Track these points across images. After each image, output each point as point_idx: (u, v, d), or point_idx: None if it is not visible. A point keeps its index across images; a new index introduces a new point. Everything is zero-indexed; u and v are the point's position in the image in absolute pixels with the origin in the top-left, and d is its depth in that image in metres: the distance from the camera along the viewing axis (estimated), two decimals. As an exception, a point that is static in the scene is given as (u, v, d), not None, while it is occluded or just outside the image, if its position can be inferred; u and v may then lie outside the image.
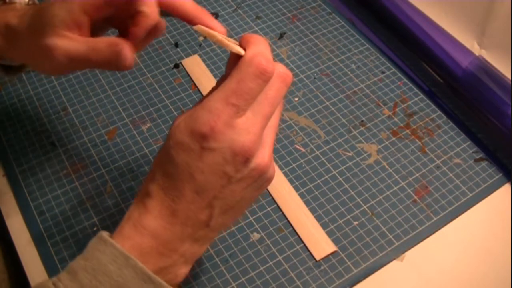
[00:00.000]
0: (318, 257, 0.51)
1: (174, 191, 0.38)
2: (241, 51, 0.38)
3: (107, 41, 0.41)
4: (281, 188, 0.55)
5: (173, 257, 0.38)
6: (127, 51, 0.41)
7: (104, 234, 0.37)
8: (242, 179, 0.37)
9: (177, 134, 0.37)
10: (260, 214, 0.54)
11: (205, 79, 0.64)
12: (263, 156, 0.38)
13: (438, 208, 0.54)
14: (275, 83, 0.38)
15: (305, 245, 0.52)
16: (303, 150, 0.59)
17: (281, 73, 0.38)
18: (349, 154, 0.59)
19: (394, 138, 0.60)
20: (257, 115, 0.37)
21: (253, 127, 0.36)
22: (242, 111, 0.36)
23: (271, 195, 0.55)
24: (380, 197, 0.55)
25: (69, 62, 0.42)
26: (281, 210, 0.54)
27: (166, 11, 0.48)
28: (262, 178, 0.38)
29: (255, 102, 0.37)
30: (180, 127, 0.37)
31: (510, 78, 0.58)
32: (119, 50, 0.41)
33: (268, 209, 0.54)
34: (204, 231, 0.39)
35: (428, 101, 0.63)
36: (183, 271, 0.39)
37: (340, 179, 0.56)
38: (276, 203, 0.54)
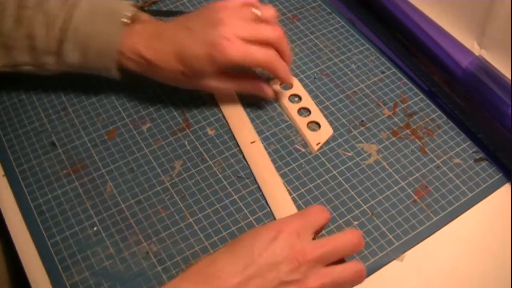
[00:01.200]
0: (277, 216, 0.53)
1: (227, 267, 0.42)
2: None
3: (253, 83, 0.59)
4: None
5: None
6: (267, 89, 0.59)
7: None
8: (287, 284, 0.42)
9: (256, 228, 0.46)
10: (260, 214, 0.54)
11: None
12: (316, 279, 0.42)
13: (438, 208, 0.54)
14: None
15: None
16: (303, 150, 0.59)
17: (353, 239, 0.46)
18: (349, 154, 0.59)
19: (394, 138, 0.60)
20: (334, 275, 0.44)
21: (318, 247, 0.44)
22: (325, 263, 0.44)
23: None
24: (380, 197, 0.55)
25: (216, 92, 0.61)
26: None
27: (162, 12, 0.58)
28: None
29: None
30: (263, 225, 0.45)
31: (510, 78, 0.58)
32: (262, 90, 0.59)
33: (268, 209, 0.54)
34: None
35: (428, 101, 0.63)
36: None
37: (340, 179, 0.56)
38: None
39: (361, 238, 0.46)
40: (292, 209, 0.53)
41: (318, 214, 0.46)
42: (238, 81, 0.59)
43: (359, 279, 0.45)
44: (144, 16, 0.58)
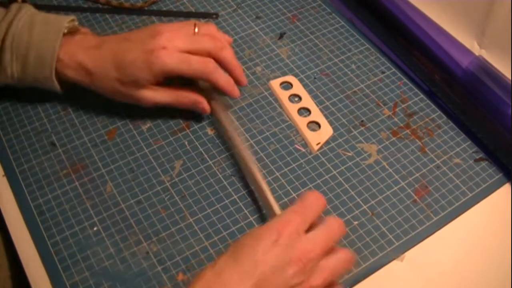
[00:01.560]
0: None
1: (233, 279, 0.41)
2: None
3: (190, 98, 0.58)
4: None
5: None
6: (205, 105, 0.58)
7: None
8: (292, 287, 0.41)
9: (256, 229, 0.44)
10: (260, 214, 0.54)
11: None
12: (318, 278, 0.43)
13: (438, 208, 0.54)
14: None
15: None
16: (303, 150, 0.59)
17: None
18: (349, 154, 0.59)
19: (394, 138, 0.60)
20: (329, 270, 0.44)
21: (316, 242, 0.44)
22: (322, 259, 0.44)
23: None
24: (380, 197, 0.55)
25: (154, 106, 0.58)
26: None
27: (162, 12, 0.58)
28: None
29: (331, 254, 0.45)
30: (263, 226, 0.44)
31: (510, 78, 0.58)
32: (200, 106, 0.58)
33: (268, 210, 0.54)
34: None
35: (428, 101, 0.63)
36: None
37: (340, 179, 0.56)
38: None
39: (342, 224, 0.46)
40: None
41: (316, 203, 0.46)
42: (175, 95, 0.58)
43: (351, 264, 0.46)
44: (85, 29, 0.59)
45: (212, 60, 0.55)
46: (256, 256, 0.41)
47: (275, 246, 0.42)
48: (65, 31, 0.56)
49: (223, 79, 0.56)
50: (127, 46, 0.55)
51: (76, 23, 0.58)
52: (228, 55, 0.57)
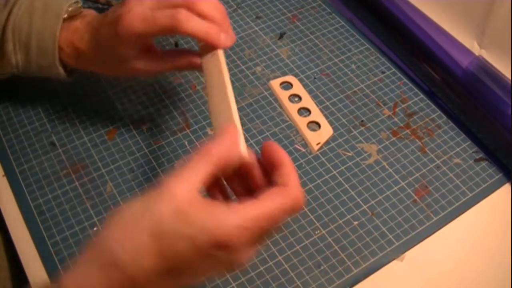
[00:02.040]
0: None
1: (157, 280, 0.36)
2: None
3: (185, 60, 0.53)
4: None
5: None
6: (198, 60, 0.51)
7: None
8: (221, 262, 0.37)
9: (198, 236, 0.35)
10: (260, 214, 0.54)
11: None
12: (247, 257, 0.37)
13: (438, 208, 0.54)
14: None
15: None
16: (303, 150, 0.59)
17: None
18: (349, 154, 0.59)
19: (394, 138, 0.60)
20: (264, 240, 0.38)
21: (253, 249, 0.37)
22: (262, 240, 0.37)
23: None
24: (380, 197, 0.55)
25: (154, 75, 0.55)
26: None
27: None
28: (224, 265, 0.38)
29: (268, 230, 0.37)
30: (202, 230, 0.35)
31: (510, 78, 0.58)
32: (196, 64, 0.52)
33: (268, 209, 0.54)
34: None
35: (428, 101, 0.63)
36: None
37: (340, 179, 0.56)
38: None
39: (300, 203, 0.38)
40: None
41: (292, 211, 0.38)
42: (170, 60, 0.53)
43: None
44: (88, 11, 0.56)
45: (183, 10, 0.47)
46: (195, 270, 0.36)
47: (214, 259, 0.36)
48: (65, 16, 0.54)
49: (198, 26, 0.47)
50: (103, 21, 0.52)
51: (79, 4, 0.55)
52: (206, 6, 0.48)
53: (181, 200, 0.35)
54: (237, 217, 0.35)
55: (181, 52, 0.55)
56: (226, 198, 0.41)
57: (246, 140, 0.59)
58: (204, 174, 0.36)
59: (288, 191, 0.37)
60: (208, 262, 0.36)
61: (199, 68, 0.52)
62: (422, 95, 0.64)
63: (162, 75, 0.65)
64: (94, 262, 0.36)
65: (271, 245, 0.52)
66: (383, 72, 0.66)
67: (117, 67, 0.53)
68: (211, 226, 0.35)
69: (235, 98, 0.63)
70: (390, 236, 0.52)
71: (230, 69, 0.66)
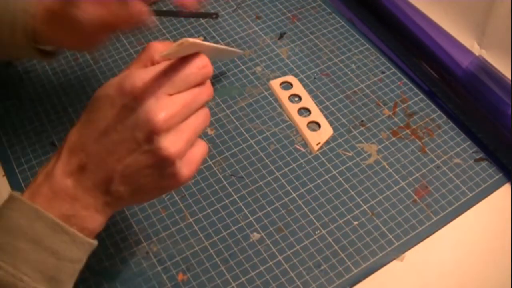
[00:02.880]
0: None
1: (84, 143, 0.39)
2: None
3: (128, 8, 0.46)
4: None
5: (76, 207, 0.39)
6: (146, 13, 0.47)
7: (14, 192, 0.39)
8: (148, 153, 0.38)
9: (107, 85, 0.39)
10: (260, 214, 0.54)
11: None
12: (173, 143, 0.38)
13: (438, 208, 0.54)
14: (205, 89, 0.40)
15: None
16: (303, 150, 0.59)
17: (209, 86, 0.41)
18: (349, 154, 0.59)
19: (394, 138, 0.60)
20: (180, 101, 0.38)
21: (172, 108, 0.38)
22: (172, 91, 0.38)
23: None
24: (380, 197, 0.55)
25: (98, 30, 0.48)
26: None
27: (162, 12, 0.50)
28: (167, 168, 0.38)
29: (184, 92, 0.39)
30: (112, 81, 0.39)
31: (510, 78, 0.58)
32: (141, 15, 0.47)
33: (268, 209, 0.54)
34: (104, 195, 0.39)
35: (428, 101, 0.63)
36: (91, 226, 0.39)
37: (340, 179, 0.56)
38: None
39: (210, 88, 0.41)
40: None
41: (197, 68, 0.39)
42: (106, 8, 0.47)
43: (209, 118, 0.41)
44: None
45: None
46: (106, 122, 0.38)
47: (126, 110, 0.37)
48: None
49: None
50: None
51: None
52: None
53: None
54: (144, 69, 0.38)
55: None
56: None
57: (246, 140, 0.59)
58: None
59: (192, 55, 0.39)
60: (121, 115, 0.37)
61: (140, 18, 0.47)
62: (422, 95, 0.64)
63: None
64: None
65: (271, 245, 0.52)
66: (383, 72, 0.66)
67: (62, 15, 0.48)
68: (119, 79, 0.38)
69: (235, 98, 0.63)
70: (390, 236, 0.52)
71: (230, 69, 0.66)
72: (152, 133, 0.37)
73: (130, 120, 0.37)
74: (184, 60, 0.39)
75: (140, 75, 0.38)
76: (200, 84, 0.40)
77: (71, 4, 0.47)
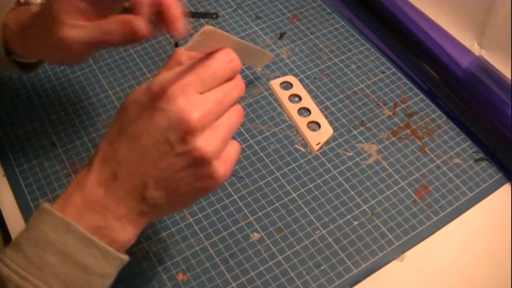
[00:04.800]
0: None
1: (117, 151, 0.38)
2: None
3: (116, 21, 0.43)
4: None
5: (107, 218, 0.37)
6: (139, 22, 0.43)
7: (45, 204, 0.38)
8: (182, 155, 0.36)
9: (135, 91, 0.38)
10: (260, 214, 0.54)
11: None
12: (209, 143, 0.37)
13: (438, 208, 0.54)
14: (236, 85, 0.39)
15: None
16: (303, 150, 0.59)
17: (240, 81, 0.40)
18: (349, 154, 0.59)
19: (394, 138, 0.60)
20: (212, 99, 0.37)
21: (205, 106, 0.37)
22: (202, 89, 0.37)
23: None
24: (380, 197, 0.55)
25: (86, 49, 0.45)
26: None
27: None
28: (203, 168, 0.37)
29: (215, 89, 0.38)
30: (141, 86, 0.38)
31: (510, 78, 0.58)
32: (131, 26, 0.43)
33: (268, 209, 0.54)
34: (139, 203, 0.38)
35: (428, 101, 0.63)
36: (121, 237, 0.38)
37: (340, 179, 0.56)
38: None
39: (242, 84, 0.40)
40: None
41: (224, 69, 0.38)
42: (98, 24, 0.44)
43: (238, 89, 0.40)
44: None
45: None
46: (138, 128, 0.37)
47: (157, 113, 0.36)
48: (13, 6, 0.49)
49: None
50: None
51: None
52: None
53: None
54: (171, 70, 0.37)
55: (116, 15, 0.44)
56: None
57: (246, 140, 0.59)
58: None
59: (218, 50, 0.38)
60: (152, 119, 0.36)
61: (139, 34, 0.43)
62: (422, 95, 0.64)
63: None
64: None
65: (271, 245, 0.52)
66: (383, 72, 0.66)
67: (47, 34, 0.44)
68: (147, 83, 0.37)
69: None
70: (390, 236, 0.52)
71: (230, 69, 0.66)
72: (186, 134, 0.36)
73: (162, 122, 0.36)
74: (210, 56, 0.38)
75: (168, 76, 0.37)
76: (229, 79, 0.39)
77: (57, 24, 0.43)
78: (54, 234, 0.37)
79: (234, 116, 0.39)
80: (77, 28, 0.44)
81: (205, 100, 0.37)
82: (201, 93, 0.37)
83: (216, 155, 0.37)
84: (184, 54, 0.40)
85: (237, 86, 0.39)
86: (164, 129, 0.36)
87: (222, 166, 0.38)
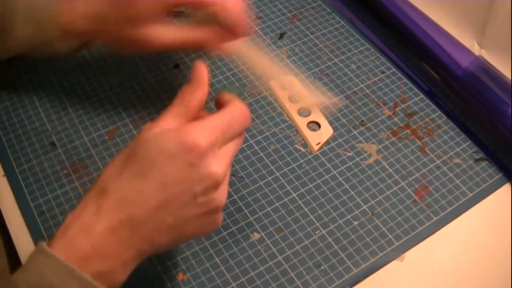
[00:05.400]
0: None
1: (138, 196, 0.38)
2: None
3: (202, 35, 0.52)
4: None
5: (114, 263, 0.38)
6: (217, 44, 0.53)
7: (44, 245, 0.37)
8: (202, 205, 0.39)
9: (165, 141, 0.39)
10: (260, 214, 0.54)
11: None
12: (224, 194, 0.41)
13: (438, 208, 0.54)
14: (242, 138, 0.43)
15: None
16: (303, 150, 0.59)
17: (243, 134, 0.44)
18: (349, 154, 0.59)
19: (394, 138, 0.60)
20: (230, 154, 0.41)
21: (225, 161, 0.40)
22: (223, 144, 0.40)
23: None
24: (380, 197, 0.55)
25: (162, 49, 0.53)
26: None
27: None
28: (214, 216, 0.41)
29: (231, 143, 0.41)
30: (169, 136, 0.39)
31: (510, 78, 0.58)
32: (211, 45, 0.53)
33: (268, 209, 0.54)
34: (148, 246, 0.39)
35: (428, 101, 0.63)
36: (121, 278, 0.39)
37: (340, 179, 0.56)
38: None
39: (248, 115, 0.43)
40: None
41: (241, 122, 0.42)
42: (186, 32, 0.52)
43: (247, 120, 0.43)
44: None
45: None
46: (164, 176, 0.38)
47: (186, 166, 0.38)
48: None
49: (235, 9, 0.51)
50: None
51: None
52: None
53: (154, 131, 0.40)
54: (200, 125, 0.39)
55: (197, 27, 0.53)
56: None
57: (246, 140, 0.59)
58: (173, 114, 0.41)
59: (235, 105, 0.42)
60: (183, 171, 0.38)
61: (214, 46, 0.53)
62: (422, 95, 0.64)
63: (161, 74, 0.65)
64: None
65: (271, 245, 0.52)
66: (383, 72, 0.66)
67: (129, 31, 0.51)
68: (177, 134, 0.39)
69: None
70: (390, 236, 0.52)
71: (230, 69, 0.66)
72: (211, 187, 0.39)
73: (192, 175, 0.38)
74: (231, 112, 0.41)
75: (200, 132, 0.39)
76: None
77: (139, 21, 0.50)
78: (57, 280, 0.36)
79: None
80: (161, 29, 0.51)
81: (225, 157, 0.40)
82: (224, 145, 0.41)
83: (224, 204, 0.41)
84: (194, 100, 0.42)
85: (242, 141, 0.43)
86: (193, 181, 0.38)
87: (222, 215, 0.42)
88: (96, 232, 0.37)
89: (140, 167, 0.38)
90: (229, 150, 0.41)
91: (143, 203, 0.38)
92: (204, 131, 0.39)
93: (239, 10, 0.51)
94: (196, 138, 0.38)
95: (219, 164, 0.39)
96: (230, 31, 0.52)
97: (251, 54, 0.56)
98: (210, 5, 0.50)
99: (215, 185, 0.39)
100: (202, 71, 0.43)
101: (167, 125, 0.40)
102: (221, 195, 0.40)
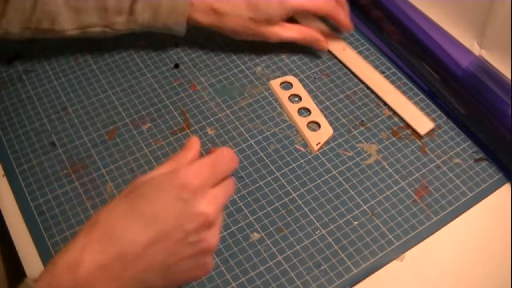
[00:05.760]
0: (422, 132, 0.60)
1: (128, 231, 0.38)
2: None
3: (312, 35, 0.66)
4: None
5: None
6: (325, 43, 0.67)
7: (30, 281, 0.37)
8: (193, 244, 0.40)
9: (159, 180, 0.40)
10: (260, 214, 0.54)
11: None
12: (215, 236, 0.41)
13: (438, 208, 0.54)
14: (232, 182, 0.44)
15: (408, 123, 0.61)
16: (303, 150, 0.59)
17: (232, 180, 0.44)
18: (349, 154, 0.59)
19: (394, 138, 0.60)
20: (221, 194, 0.42)
21: (216, 204, 0.41)
22: (213, 184, 0.41)
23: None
24: (380, 197, 0.55)
25: (278, 41, 0.65)
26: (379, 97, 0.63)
27: None
28: (204, 258, 0.41)
29: (221, 184, 0.42)
30: (162, 176, 0.40)
31: (510, 78, 0.58)
32: (321, 44, 0.67)
33: (268, 209, 0.54)
34: (136, 285, 0.39)
35: (428, 101, 0.63)
36: None
37: (340, 179, 0.56)
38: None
39: (235, 159, 0.44)
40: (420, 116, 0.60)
41: (228, 162, 0.43)
42: (300, 31, 0.65)
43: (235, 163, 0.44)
44: None
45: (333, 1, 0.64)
46: (156, 211, 0.39)
47: (178, 201, 0.39)
48: None
49: (342, 15, 0.64)
50: None
51: None
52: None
53: (149, 175, 0.42)
54: (190, 166, 0.41)
55: (309, 27, 0.66)
56: None
57: (246, 140, 0.59)
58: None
59: (221, 148, 0.44)
60: (175, 206, 0.39)
61: (321, 48, 0.67)
62: (422, 95, 0.64)
63: (162, 74, 0.65)
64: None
65: (271, 245, 0.52)
66: (383, 72, 0.66)
67: (255, 27, 0.62)
68: (170, 174, 0.40)
69: (235, 98, 0.63)
70: (390, 236, 0.52)
71: (230, 69, 0.66)
72: (202, 225, 0.39)
73: (184, 211, 0.39)
74: (219, 155, 0.43)
75: (190, 171, 0.40)
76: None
77: (264, 24, 0.62)
78: None
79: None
80: (282, 28, 0.64)
81: (217, 200, 0.41)
82: (214, 185, 0.41)
83: (215, 249, 0.42)
84: (186, 159, 0.43)
85: (231, 184, 0.44)
86: (185, 217, 0.39)
87: (213, 260, 0.43)
88: (82, 268, 0.37)
89: (133, 204, 0.40)
90: (220, 194, 0.41)
91: (134, 239, 0.38)
92: (193, 170, 0.40)
93: (347, 14, 0.65)
94: (187, 176, 0.40)
95: (210, 204, 0.40)
96: (335, 30, 0.66)
97: (353, 53, 0.67)
98: (324, 12, 0.64)
99: (207, 225, 0.40)
100: (194, 140, 0.45)
101: (161, 171, 0.42)
102: (213, 236, 0.41)
